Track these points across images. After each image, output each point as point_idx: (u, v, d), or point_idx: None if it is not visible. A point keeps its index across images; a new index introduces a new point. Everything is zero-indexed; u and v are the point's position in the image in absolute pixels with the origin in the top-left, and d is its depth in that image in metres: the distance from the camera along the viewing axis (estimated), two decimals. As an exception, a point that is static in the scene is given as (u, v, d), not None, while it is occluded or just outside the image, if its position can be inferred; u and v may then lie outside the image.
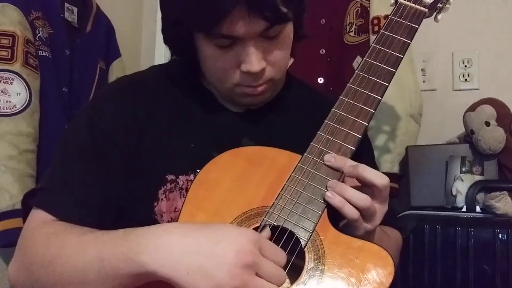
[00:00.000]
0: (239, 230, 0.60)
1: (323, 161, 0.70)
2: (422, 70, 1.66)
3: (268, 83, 0.76)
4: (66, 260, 0.64)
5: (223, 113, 0.82)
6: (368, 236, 0.70)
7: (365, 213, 0.67)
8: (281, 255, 0.61)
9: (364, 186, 0.68)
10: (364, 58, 0.76)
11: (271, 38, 0.72)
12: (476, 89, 1.59)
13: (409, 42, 0.76)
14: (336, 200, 0.67)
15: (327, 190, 0.68)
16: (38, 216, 0.71)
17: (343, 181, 0.70)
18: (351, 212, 0.67)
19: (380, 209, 0.69)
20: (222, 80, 0.76)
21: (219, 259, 0.56)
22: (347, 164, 0.69)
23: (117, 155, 0.75)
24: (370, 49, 0.76)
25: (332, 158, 0.69)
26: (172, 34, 0.77)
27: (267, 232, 0.65)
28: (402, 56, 0.75)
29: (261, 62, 0.72)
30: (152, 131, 0.77)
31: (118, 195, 0.74)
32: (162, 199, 0.74)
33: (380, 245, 0.66)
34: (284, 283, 0.60)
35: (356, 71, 0.75)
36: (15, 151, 1.21)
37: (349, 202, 0.66)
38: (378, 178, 0.67)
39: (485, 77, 1.59)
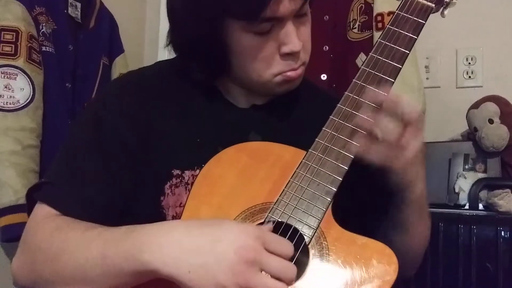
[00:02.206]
0: (241, 227, 0.60)
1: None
2: (426, 67, 1.66)
3: (301, 67, 0.77)
4: (68, 256, 0.64)
5: (229, 109, 0.81)
6: (406, 175, 0.70)
7: (395, 147, 0.67)
8: (286, 246, 0.60)
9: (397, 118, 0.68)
10: (370, 54, 0.75)
11: (301, 17, 0.74)
12: (480, 87, 1.59)
13: (416, 37, 0.75)
14: (356, 150, 0.68)
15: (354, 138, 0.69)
16: (42, 210, 0.71)
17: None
18: (373, 160, 0.67)
19: (413, 142, 0.68)
20: (262, 71, 0.74)
21: (220, 256, 0.56)
22: (385, 96, 0.69)
23: (124, 151, 0.74)
24: (376, 44, 0.75)
25: (372, 92, 0.69)
26: (199, 33, 0.74)
27: (269, 226, 0.65)
28: (408, 52, 0.74)
29: (300, 41, 0.73)
30: (159, 127, 0.77)
31: (124, 190, 0.74)
32: (168, 193, 0.74)
33: (384, 244, 0.65)
34: (293, 277, 0.59)
35: (362, 67, 0.74)
36: (18, 146, 1.22)
37: (381, 136, 0.67)
38: (408, 109, 0.67)
39: (489, 75, 1.58)
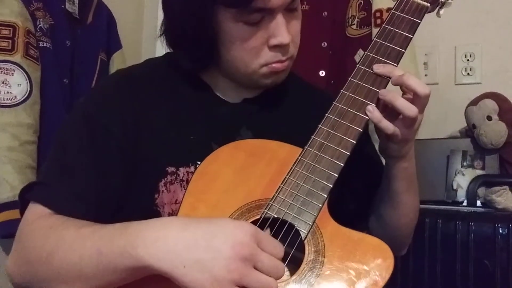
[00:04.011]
0: (236, 224, 0.60)
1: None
2: (424, 64, 1.65)
3: (289, 60, 0.77)
4: (63, 254, 0.64)
5: (220, 104, 0.82)
6: (406, 145, 0.76)
7: (408, 121, 0.72)
8: (278, 249, 0.60)
9: (406, 93, 0.73)
10: (366, 52, 0.76)
11: (292, 11, 0.74)
12: (479, 83, 1.59)
13: (411, 36, 0.76)
14: (374, 115, 0.72)
15: (370, 103, 0.72)
16: (35, 210, 0.71)
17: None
18: (387, 126, 0.72)
19: (419, 117, 0.73)
20: (249, 62, 0.75)
21: (215, 252, 0.56)
22: (394, 72, 0.73)
23: (115, 148, 0.74)
24: (372, 43, 0.76)
25: (381, 67, 0.73)
26: (189, 20, 0.74)
27: (267, 231, 0.65)
28: (403, 51, 0.75)
29: (289, 35, 0.73)
30: (151, 124, 0.77)
31: (116, 188, 0.74)
32: (163, 191, 0.74)
33: (380, 239, 0.66)
34: (282, 275, 0.59)
35: (358, 65, 0.75)
36: (15, 142, 1.21)
37: (398, 111, 0.71)
38: (421, 87, 0.71)
39: (487, 71, 1.58)
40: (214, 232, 0.58)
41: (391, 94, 0.72)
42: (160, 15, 0.82)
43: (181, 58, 0.79)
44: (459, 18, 1.56)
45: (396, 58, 0.75)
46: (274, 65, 0.75)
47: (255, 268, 0.57)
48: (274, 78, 0.78)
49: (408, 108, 0.71)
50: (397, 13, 0.77)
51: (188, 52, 0.78)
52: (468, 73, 1.60)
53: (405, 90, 0.73)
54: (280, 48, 0.74)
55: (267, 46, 0.74)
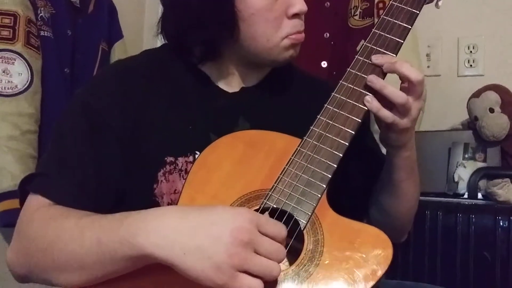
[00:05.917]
0: (235, 210, 0.61)
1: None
2: (427, 55, 1.65)
3: (303, 33, 0.80)
4: (63, 244, 0.64)
5: (219, 94, 0.82)
6: (407, 134, 0.76)
7: (401, 109, 0.72)
8: (279, 228, 0.60)
9: (404, 82, 0.73)
10: (364, 43, 0.76)
11: None
12: (481, 75, 1.58)
13: (410, 27, 0.76)
14: (373, 105, 0.72)
15: (367, 94, 0.72)
16: (35, 201, 0.71)
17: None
18: (386, 115, 0.72)
19: (415, 104, 0.73)
20: (271, 35, 0.77)
21: (215, 239, 0.56)
22: (392, 61, 0.73)
23: (113, 139, 0.74)
24: (371, 34, 0.77)
25: (379, 57, 0.74)
26: (210, 6, 0.74)
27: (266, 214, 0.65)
28: (402, 41, 0.75)
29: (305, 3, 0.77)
30: (150, 114, 0.77)
31: (116, 179, 0.74)
32: (161, 181, 0.75)
33: (379, 228, 0.66)
34: (283, 258, 0.59)
35: (356, 56, 0.75)
36: (16, 131, 1.22)
37: (388, 98, 0.71)
38: (413, 74, 0.71)
39: (490, 63, 1.58)
40: (213, 219, 0.58)
41: (380, 82, 0.72)
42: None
43: (192, 48, 0.79)
44: (462, 10, 1.55)
45: (395, 48, 0.75)
46: (294, 36, 0.78)
47: (256, 252, 0.57)
48: (293, 52, 0.80)
49: (397, 95, 0.71)
50: (396, 3, 0.77)
51: (205, 37, 0.78)
52: (471, 65, 1.60)
53: (401, 78, 0.73)
54: (298, 17, 0.77)
55: (286, 17, 0.77)
